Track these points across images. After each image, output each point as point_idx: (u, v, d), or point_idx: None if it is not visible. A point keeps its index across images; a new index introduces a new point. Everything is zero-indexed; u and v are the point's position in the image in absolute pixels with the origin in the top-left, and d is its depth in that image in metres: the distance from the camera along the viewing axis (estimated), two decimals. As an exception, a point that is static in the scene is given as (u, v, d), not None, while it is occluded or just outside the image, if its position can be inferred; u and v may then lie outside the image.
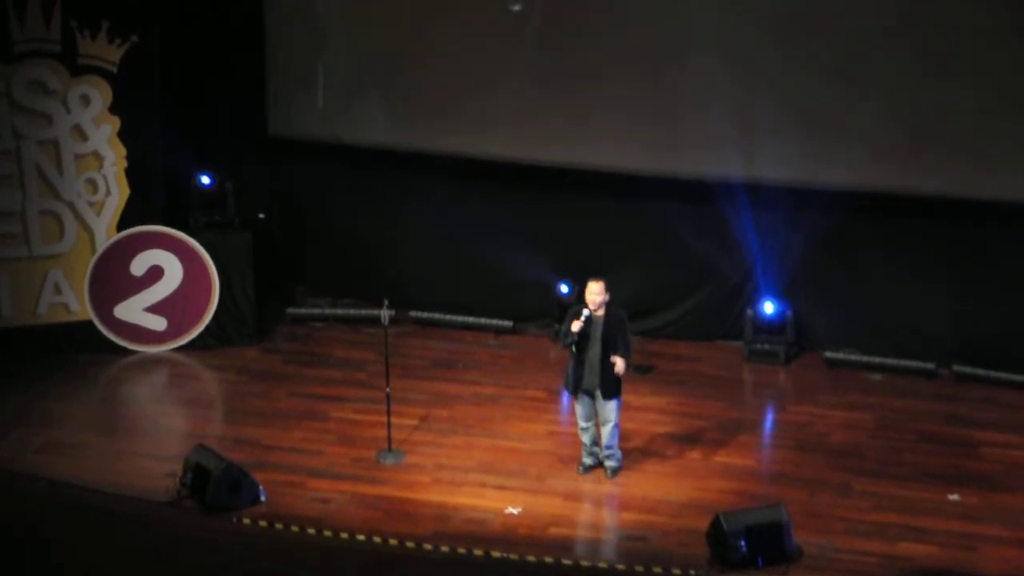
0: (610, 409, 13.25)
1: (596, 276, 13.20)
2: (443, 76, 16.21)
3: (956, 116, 14.73)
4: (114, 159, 15.85)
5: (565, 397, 15.01)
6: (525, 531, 12.68)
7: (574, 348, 13.17)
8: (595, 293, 13.09)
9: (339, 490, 13.34)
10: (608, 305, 13.13)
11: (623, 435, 13.55)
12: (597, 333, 13.11)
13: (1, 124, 15.44)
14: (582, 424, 13.46)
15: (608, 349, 13.09)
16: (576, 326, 13.03)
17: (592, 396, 13.27)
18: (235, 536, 12.68)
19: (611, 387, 13.20)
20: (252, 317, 16.44)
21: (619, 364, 13.07)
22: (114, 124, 15.80)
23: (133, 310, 16.06)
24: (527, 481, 13.47)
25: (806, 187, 15.37)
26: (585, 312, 13.05)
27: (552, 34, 15.78)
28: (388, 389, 13.96)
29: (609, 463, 13.50)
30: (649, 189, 15.90)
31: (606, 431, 13.35)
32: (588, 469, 13.57)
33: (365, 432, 14.30)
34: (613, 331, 13.11)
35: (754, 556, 11.91)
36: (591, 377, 13.18)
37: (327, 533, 12.64)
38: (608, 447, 13.41)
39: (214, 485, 12.84)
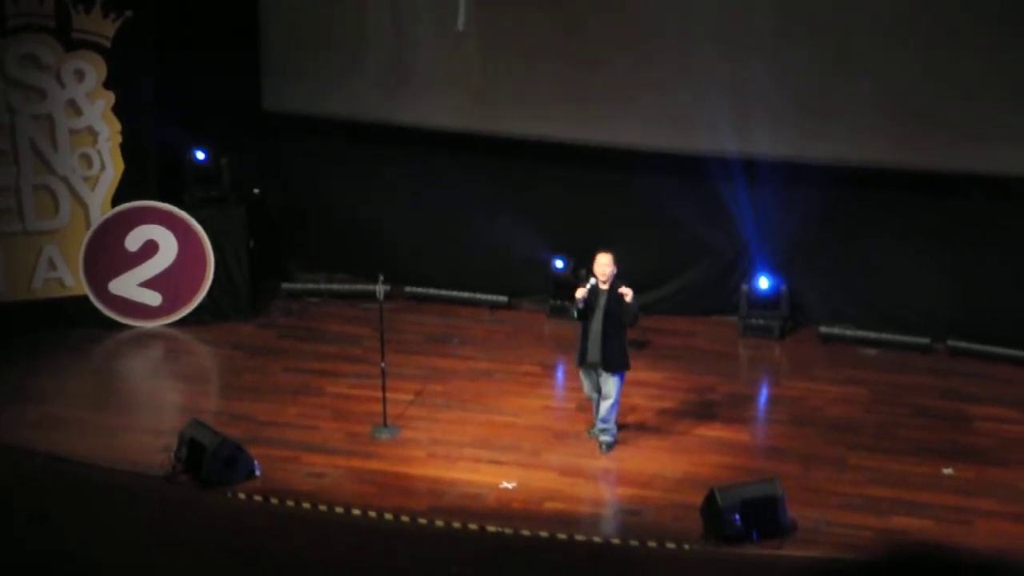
0: (611, 384, 13.27)
1: (605, 248, 13.24)
2: (439, 51, 16.19)
3: (949, 91, 14.72)
4: (108, 134, 15.83)
5: (560, 372, 15.08)
6: (520, 506, 12.69)
7: (576, 314, 13.20)
8: (604, 264, 13.14)
9: (334, 465, 13.35)
10: (615, 279, 13.16)
11: (620, 409, 13.55)
12: (600, 305, 13.15)
13: (-5, 99, 15.47)
14: (589, 395, 13.53)
15: (610, 323, 13.12)
16: (580, 293, 13.09)
17: (596, 370, 13.30)
18: (230, 511, 12.69)
19: (613, 361, 13.22)
20: (247, 292, 16.44)
21: (628, 292, 13.07)
22: (108, 99, 15.77)
23: (128, 285, 16.05)
24: (522, 456, 13.49)
25: (801, 163, 15.36)
26: (591, 281, 13.09)
27: (549, 11, 15.75)
28: (383, 364, 13.97)
29: (604, 438, 13.51)
30: (645, 165, 15.88)
31: (605, 406, 13.37)
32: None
33: (360, 407, 14.31)
34: (617, 304, 13.12)
35: (749, 530, 11.93)
36: (594, 350, 13.21)
37: (322, 508, 12.65)
38: (604, 421, 13.43)
39: (209, 460, 12.85)
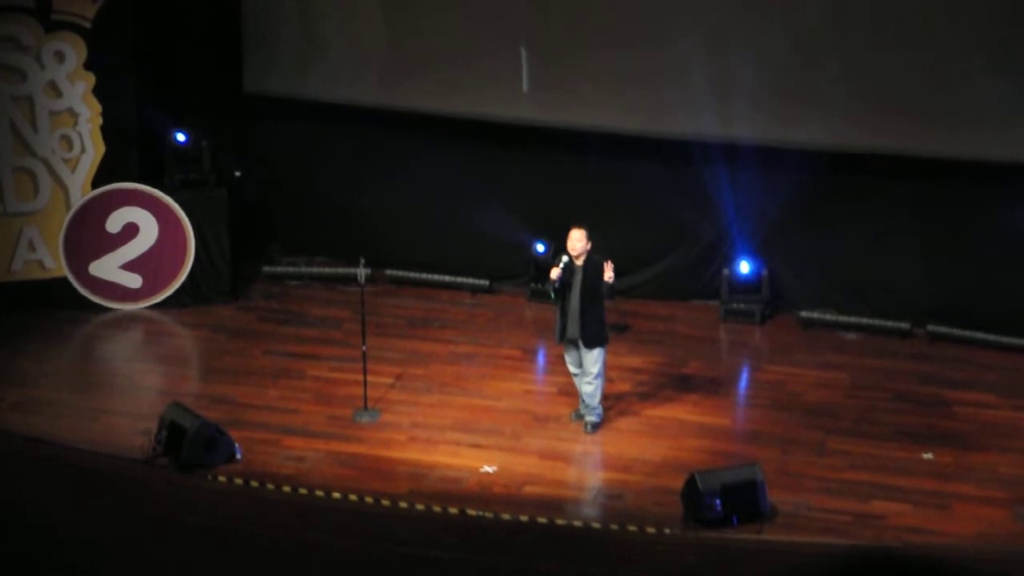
0: (592, 359, 13.31)
1: (577, 223, 13.24)
2: (421, 35, 16.15)
3: (929, 77, 14.73)
4: (89, 116, 15.78)
5: (541, 356, 15.09)
6: (500, 489, 12.71)
7: (553, 295, 13.25)
8: (576, 240, 13.17)
9: (314, 448, 13.34)
10: (589, 254, 13.18)
11: (603, 392, 13.59)
12: (577, 281, 13.17)
13: (-26, 80, 15.41)
14: (573, 371, 13.57)
15: (588, 298, 13.15)
16: (555, 273, 13.14)
17: (577, 345, 13.33)
18: (210, 493, 12.68)
19: (592, 336, 13.25)
20: (227, 275, 16.40)
21: (608, 271, 13.08)
22: (88, 81, 15.71)
23: (108, 267, 16.01)
24: (502, 440, 13.50)
25: (782, 147, 15.37)
26: (564, 259, 13.11)
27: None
28: (364, 347, 13.96)
29: (589, 418, 13.55)
30: (626, 149, 15.88)
31: (588, 384, 13.39)
32: (580, 416, 13.63)
33: (341, 390, 14.30)
34: (593, 279, 13.15)
35: (729, 515, 11.95)
36: (573, 326, 13.25)
37: (302, 491, 12.65)
38: (589, 396, 13.45)
39: (189, 443, 12.83)
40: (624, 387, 14.39)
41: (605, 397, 13.70)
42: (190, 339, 15.87)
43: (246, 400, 14.19)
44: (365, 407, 13.91)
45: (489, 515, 12.25)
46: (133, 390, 14.76)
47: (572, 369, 13.59)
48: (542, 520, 12.23)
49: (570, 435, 13.58)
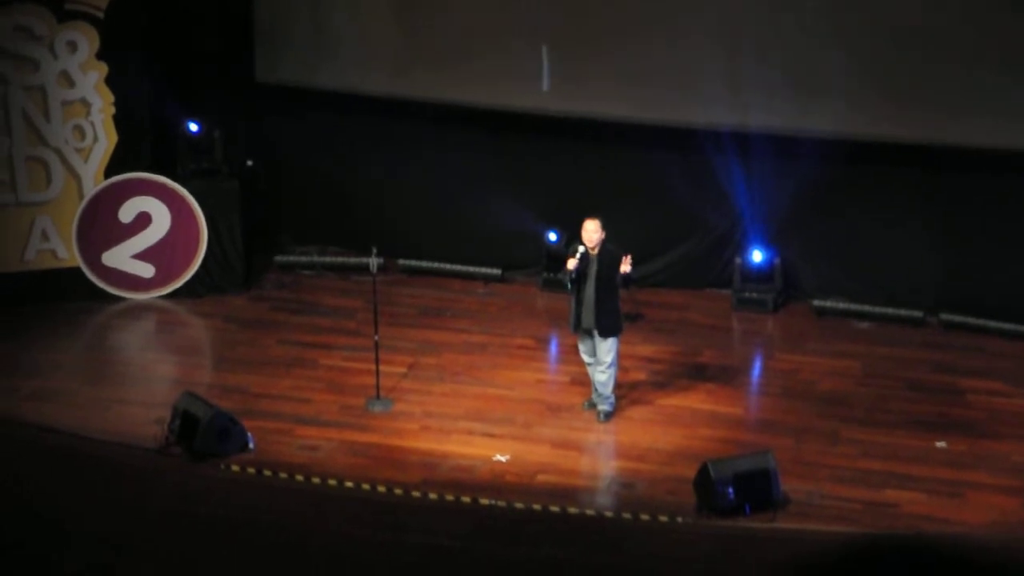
0: (606, 348, 13.32)
1: (592, 214, 13.24)
2: (433, 25, 16.15)
3: (942, 65, 14.70)
4: (101, 105, 15.79)
5: (553, 345, 15.09)
6: (513, 478, 12.71)
7: (568, 285, 13.26)
8: (591, 231, 13.17)
9: (327, 437, 13.36)
10: (604, 244, 13.18)
11: (615, 382, 13.58)
12: (592, 271, 13.18)
13: (-13, 70, 15.43)
14: (586, 360, 13.58)
15: (603, 288, 13.15)
16: (572, 263, 13.15)
17: (591, 335, 13.33)
18: (223, 483, 12.70)
19: (607, 325, 13.27)
20: (240, 265, 16.42)
21: (626, 264, 13.09)
22: (101, 70, 15.72)
23: (121, 257, 16.03)
24: (515, 429, 13.50)
25: (794, 136, 15.35)
26: (580, 249, 13.12)
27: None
28: (377, 337, 13.97)
29: (602, 407, 13.56)
30: (639, 138, 15.88)
31: (601, 373, 13.40)
32: (593, 405, 13.63)
33: (354, 380, 14.31)
34: (608, 269, 13.15)
35: (741, 503, 11.95)
36: (588, 315, 13.25)
37: (315, 480, 12.67)
38: (602, 385, 13.45)
39: (202, 432, 12.85)
40: (637, 376, 14.39)
41: (618, 386, 13.70)
42: (203, 329, 15.89)
43: (259, 389, 14.21)
44: (378, 396, 13.91)
45: (502, 504, 12.26)
46: (146, 380, 14.79)
47: (585, 358, 13.59)
48: (555, 509, 12.23)
49: (583, 424, 13.59)
